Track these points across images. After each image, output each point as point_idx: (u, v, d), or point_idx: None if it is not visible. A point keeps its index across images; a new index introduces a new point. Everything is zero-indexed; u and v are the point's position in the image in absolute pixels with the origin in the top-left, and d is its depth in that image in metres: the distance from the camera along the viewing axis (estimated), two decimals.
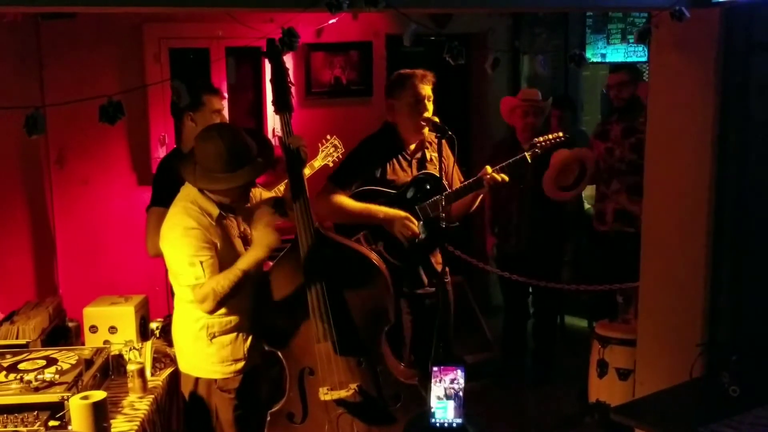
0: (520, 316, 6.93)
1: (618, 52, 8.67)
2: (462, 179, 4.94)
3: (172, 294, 4.66)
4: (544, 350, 6.89)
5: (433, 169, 4.72)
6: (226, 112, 6.72)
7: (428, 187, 4.72)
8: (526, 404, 6.40)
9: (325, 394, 4.04)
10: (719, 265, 4.43)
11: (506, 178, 4.73)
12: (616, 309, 5.71)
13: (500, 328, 7.22)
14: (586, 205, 7.73)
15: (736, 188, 4.35)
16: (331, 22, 6.52)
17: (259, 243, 3.90)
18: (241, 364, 4.10)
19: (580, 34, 8.70)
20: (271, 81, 4.10)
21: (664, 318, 4.68)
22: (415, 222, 4.69)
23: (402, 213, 4.68)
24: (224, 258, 3.93)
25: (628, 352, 5.22)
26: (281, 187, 5.10)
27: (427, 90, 4.72)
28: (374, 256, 4.26)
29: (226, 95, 6.87)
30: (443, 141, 4.62)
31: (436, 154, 4.62)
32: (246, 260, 3.91)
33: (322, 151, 5.30)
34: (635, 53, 8.69)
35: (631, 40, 8.65)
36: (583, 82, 9.36)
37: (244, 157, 3.86)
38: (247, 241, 4.09)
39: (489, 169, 4.75)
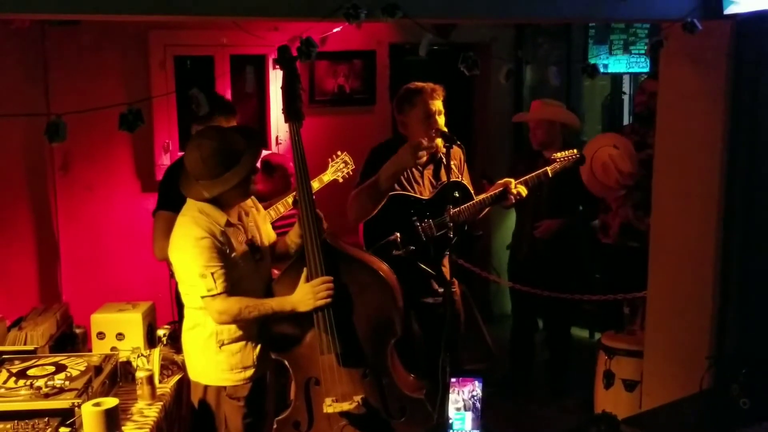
0: (528, 326, 6.92)
1: (620, 63, 8.68)
2: (472, 188, 4.94)
3: (178, 301, 4.67)
4: (560, 360, 6.88)
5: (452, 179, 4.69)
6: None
7: (457, 194, 4.68)
8: (531, 414, 6.40)
9: (329, 406, 4.03)
10: (728, 276, 4.43)
11: (524, 193, 4.74)
12: (621, 320, 5.71)
13: (503, 337, 7.22)
14: None
15: (745, 200, 4.36)
16: (335, 30, 6.52)
17: (301, 302, 3.94)
18: (250, 372, 4.08)
19: (583, 45, 8.71)
20: (283, 88, 4.06)
21: (671, 330, 4.69)
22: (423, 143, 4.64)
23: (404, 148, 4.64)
24: (232, 265, 3.93)
25: (635, 364, 5.21)
26: (289, 199, 5.11)
27: (437, 105, 4.68)
28: (384, 268, 4.21)
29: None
30: (456, 149, 4.63)
31: (456, 162, 4.64)
32: (281, 303, 3.98)
33: (332, 166, 5.29)
34: (637, 64, 8.70)
35: (633, 51, 8.66)
36: (584, 93, 9.37)
37: (239, 149, 3.89)
38: (255, 248, 4.10)
39: (513, 182, 4.74)
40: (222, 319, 3.91)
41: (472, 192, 4.86)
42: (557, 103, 6.78)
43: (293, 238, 4.23)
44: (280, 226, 5.33)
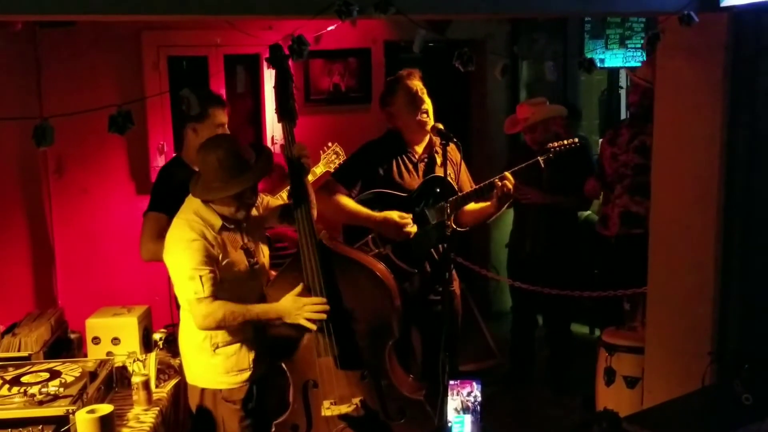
0: (528, 323, 6.90)
1: (617, 57, 8.67)
2: (473, 185, 4.91)
3: (176, 304, 4.63)
4: (560, 357, 6.85)
5: (442, 173, 4.67)
6: None
7: (438, 190, 4.68)
8: (532, 412, 6.37)
9: (327, 409, 4.01)
10: (728, 271, 4.40)
11: (510, 184, 4.69)
12: (621, 316, 5.67)
13: (503, 334, 7.19)
14: (587, 212, 7.68)
15: (745, 193, 4.33)
16: (329, 28, 6.48)
17: (288, 313, 3.92)
18: (246, 375, 4.05)
19: (579, 40, 8.69)
20: (275, 88, 4.04)
21: (672, 326, 4.66)
22: (408, 219, 4.64)
23: (392, 215, 4.63)
24: (225, 269, 3.92)
25: (636, 360, 5.17)
26: (283, 194, 5.06)
27: (417, 84, 4.72)
28: (380, 268, 4.19)
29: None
30: (452, 146, 4.62)
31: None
32: (266, 310, 3.96)
33: (324, 157, 5.26)
34: (634, 58, 8.69)
35: (629, 45, 8.64)
36: (581, 88, 9.34)
37: (239, 167, 3.83)
38: (249, 254, 4.06)
39: (509, 174, 4.71)
40: (205, 324, 3.87)
41: (456, 187, 4.82)
42: (541, 100, 6.79)
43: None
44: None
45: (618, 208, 6.20)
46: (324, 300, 3.94)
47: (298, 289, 3.96)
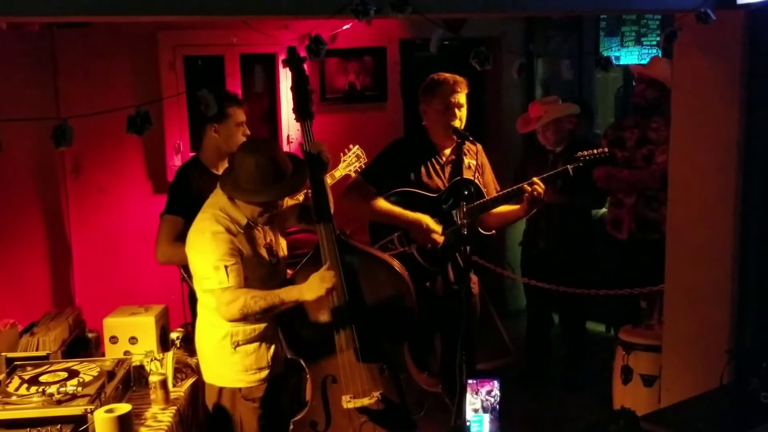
0: (544, 321, 6.91)
1: (632, 55, 8.62)
2: (498, 188, 4.91)
3: (190, 303, 4.65)
4: (575, 355, 6.84)
5: (470, 176, 4.68)
6: None
7: (466, 192, 4.66)
8: (548, 410, 6.36)
9: (348, 402, 4.05)
10: (746, 269, 4.39)
11: (541, 189, 4.66)
12: (638, 314, 5.65)
13: (518, 333, 7.18)
14: (602, 210, 7.63)
15: (763, 191, 4.31)
16: (345, 27, 6.48)
17: (309, 290, 3.87)
18: (265, 373, 4.07)
19: (594, 37, 8.66)
20: (292, 89, 4.11)
21: (690, 324, 4.64)
22: (439, 230, 4.64)
23: (426, 220, 4.62)
24: (249, 267, 3.94)
25: (653, 358, 5.16)
26: (300, 197, 5.07)
27: (458, 98, 4.67)
28: (396, 264, 4.24)
29: None
30: (474, 147, 4.67)
31: (474, 161, 4.62)
32: (290, 294, 3.91)
33: (344, 160, 5.26)
34: (649, 56, 8.63)
35: (645, 42, 8.60)
36: (596, 85, 9.31)
37: (274, 177, 3.85)
38: (272, 252, 4.10)
39: (539, 180, 4.69)
40: (230, 312, 3.85)
41: (483, 190, 4.81)
42: (553, 98, 6.78)
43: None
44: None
45: (632, 215, 6.16)
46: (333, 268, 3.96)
47: (324, 268, 3.95)
